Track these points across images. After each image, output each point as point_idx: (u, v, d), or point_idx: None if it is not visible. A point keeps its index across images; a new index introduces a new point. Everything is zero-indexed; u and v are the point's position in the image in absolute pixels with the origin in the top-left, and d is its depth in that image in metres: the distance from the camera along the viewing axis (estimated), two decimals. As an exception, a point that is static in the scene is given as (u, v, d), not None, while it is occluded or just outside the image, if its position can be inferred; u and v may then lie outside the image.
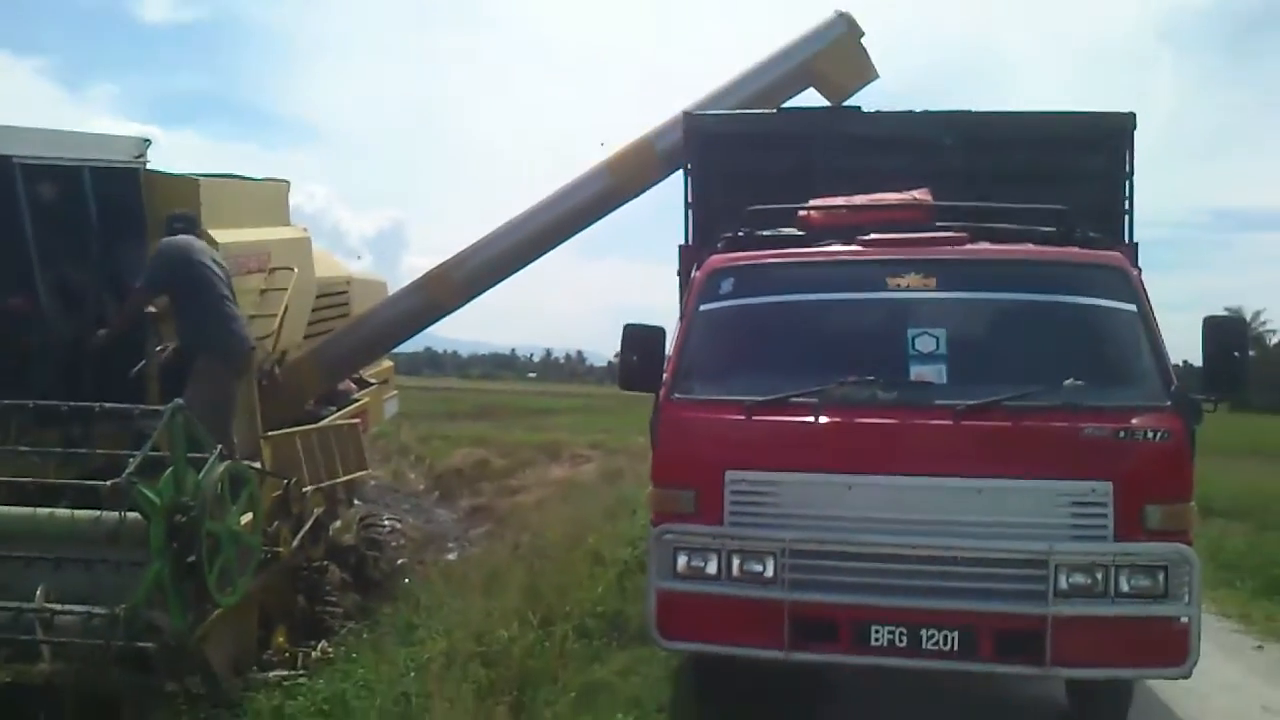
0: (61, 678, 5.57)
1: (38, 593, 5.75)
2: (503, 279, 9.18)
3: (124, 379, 7.14)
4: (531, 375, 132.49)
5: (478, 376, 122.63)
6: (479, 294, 9.20)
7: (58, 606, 5.71)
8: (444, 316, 9.34)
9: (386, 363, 12.13)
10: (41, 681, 5.57)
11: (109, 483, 5.49)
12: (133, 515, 5.61)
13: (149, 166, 7.69)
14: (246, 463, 6.79)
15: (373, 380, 11.36)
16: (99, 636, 5.56)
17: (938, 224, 6.07)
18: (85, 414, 6.41)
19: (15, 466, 6.25)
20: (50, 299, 7.12)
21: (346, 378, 10.23)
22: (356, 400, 10.57)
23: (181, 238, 7.19)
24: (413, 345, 11.34)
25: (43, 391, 6.58)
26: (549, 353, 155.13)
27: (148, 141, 7.72)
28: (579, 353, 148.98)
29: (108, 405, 6.28)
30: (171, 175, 7.84)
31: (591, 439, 27.38)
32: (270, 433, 8.15)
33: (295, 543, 7.90)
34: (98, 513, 5.75)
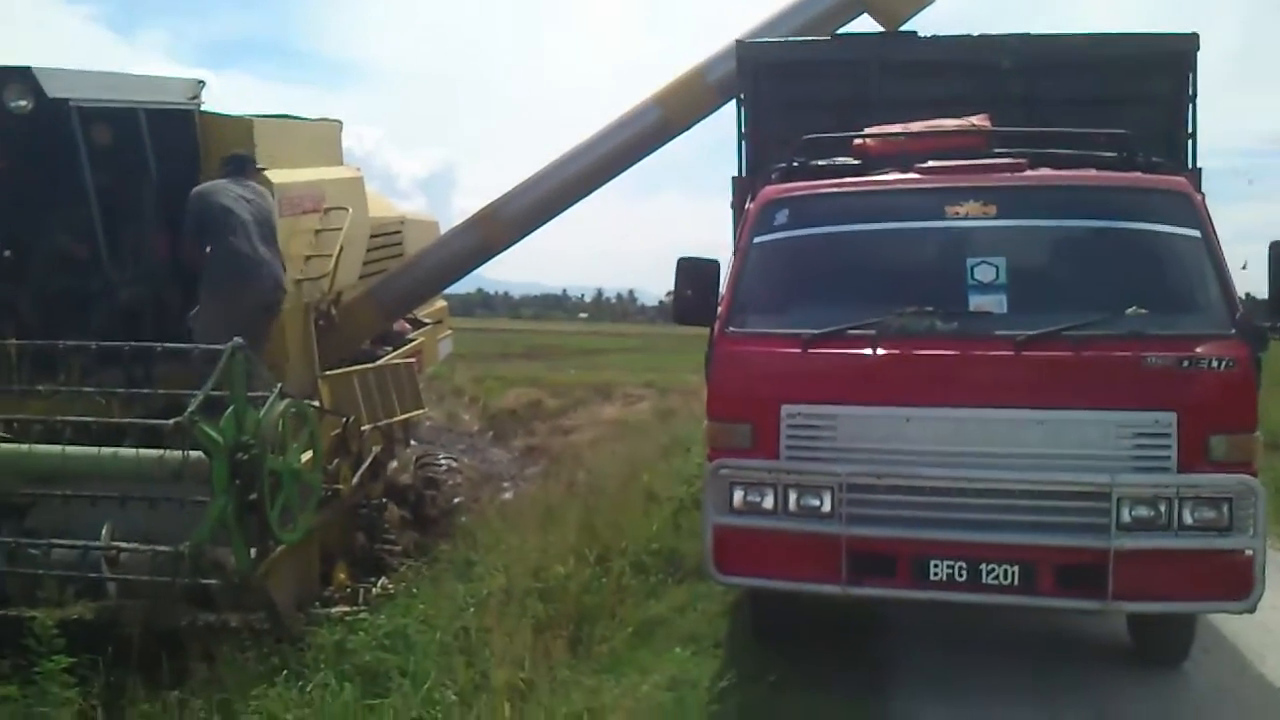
0: (128, 614, 5.70)
1: (104, 531, 5.87)
2: (553, 217, 9.15)
3: (181, 321, 7.21)
4: (583, 315, 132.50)
5: (529, 317, 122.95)
6: (529, 232, 9.18)
7: (124, 544, 5.83)
8: (495, 255, 9.34)
9: (440, 303, 12.17)
10: (108, 618, 5.70)
11: (172, 421, 5.54)
12: (195, 453, 5.67)
13: (203, 108, 7.71)
14: (305, 401, 6.85)
15: (427, 320, 11.42)
16: (164, 573, 5.67)
17: (996, 150, 5.96)
18: (146, 355, 6.49)
19: (80, 407, 6.35)
20: (108, 242, 7.16)
21: (401, 317, 10.29)
22: (412, 340, 10.64)
23: (208, 183, 7.21)
24: (464, 286, 11.38)
25: (104, 333, 6.65)
26: (600, 292, 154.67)
27: (202, 83, 7.73)
28: (630, 292, 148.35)
29: (168, 345, 6.33)
30: (225, 116, 7.85)
31: (644, 378, 27.38)
32: (327, 372, 8.23)
33: (354, 480, 8.00)
34: (161, 452, 5.82)
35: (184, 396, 5.82)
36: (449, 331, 12.86)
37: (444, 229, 11.10)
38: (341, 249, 8.23)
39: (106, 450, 6.02)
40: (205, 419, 5.63)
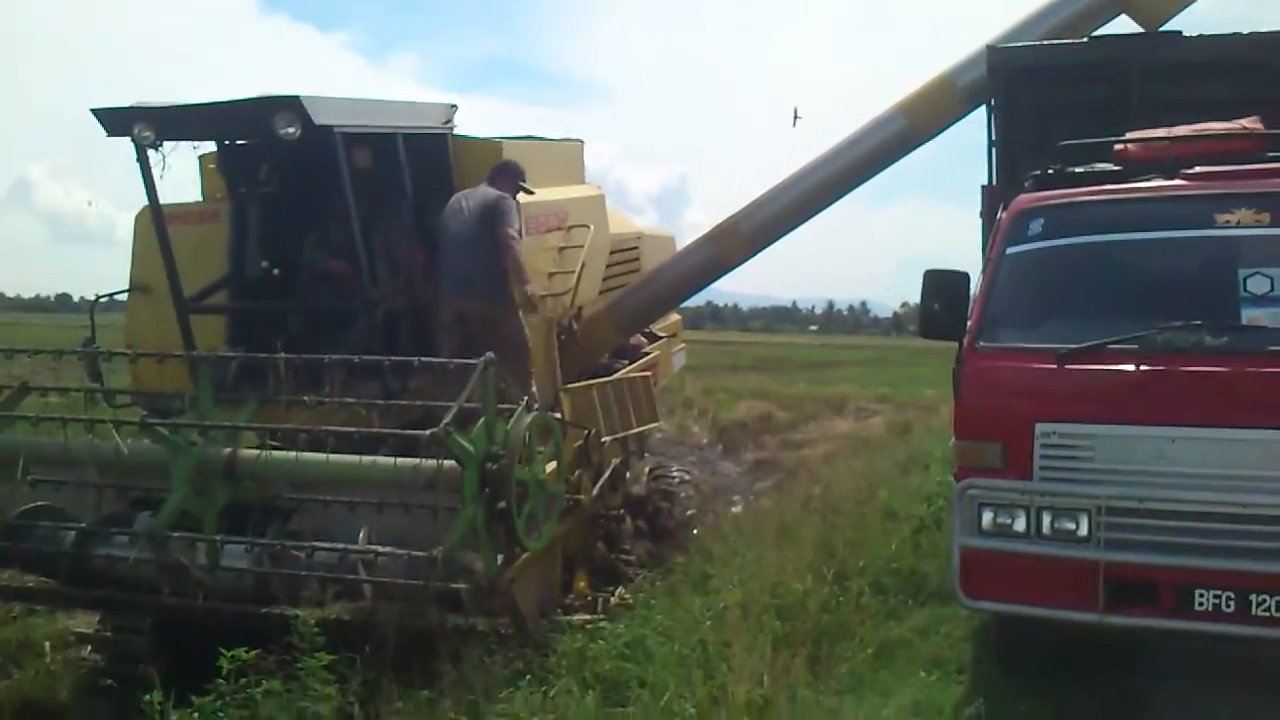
0: (383, 615, 5.89)
1: (361, 535, 6.12)
2: (790, 230, 9.11)
3: (430, 336, 7.54)
4: (813, 328, 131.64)
5: (759, 329, 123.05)
6: (766, 246, 9.17)
7: (380, 548, 6.07)
8: (731, 270, 9.38)
9: (674, 316, 12.31)
10: (365, 618, 5.91)
11: (428, 432, 5.77)
12: (449, 463, 5.88)
13: (455, 131, 8.06)
14: (549, 414, 7.03)
15: (662, 334, 11.56)
16: (417, 577, 5.87)
17: (1270, 155, 5.56)
18: (404, 368, 6.78)
19: (341, 417, 6.70)
20: (370, 263, 7.51)
21: (639, 332, 10.46)
22: (647, 354, 10.79)
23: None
24: (694, 300, 11.42)
25: (364, 347, 6.98)
26: (831, 304, 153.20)
27: (454, 107, 8.09)
28: (863, 303, 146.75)
29: (424, 360, 6.60)
30: (476, 139, 8.18)
31: (877, 392, 26.89)
32: (569, 385, 8.43)
33: (595, 491, 8.16)
34: (417, 461, 6.04)
35: (439, 408, 6.06)
36: (682, 345, 12.99)
37: (678, 243, 11.23)
38: (583, 265, 8.43)
39: (366, 458, 6.29)
40: (459, 430, 5.85)
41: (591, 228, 8.74)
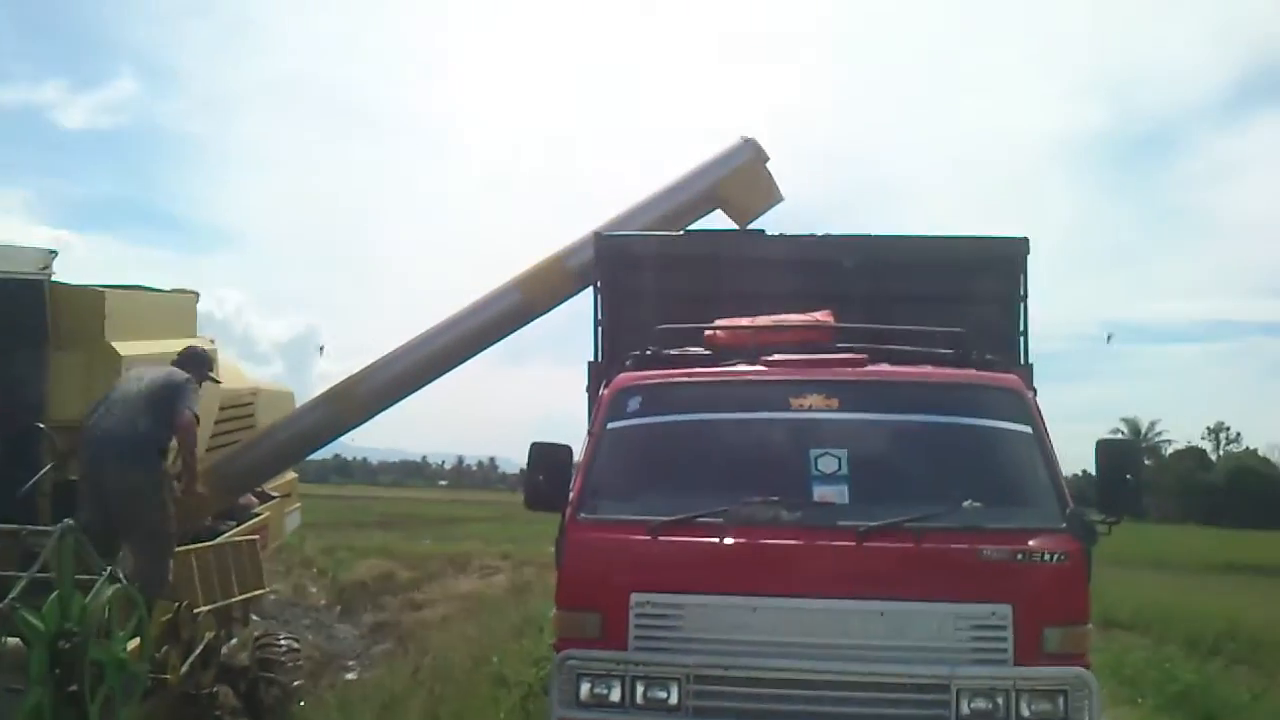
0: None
1: None
2: (409, 394, 9.12)
3: (12, 496, 6.88)
4: (442, 483, 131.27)
5: (388, 484, 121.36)
6: (384, 409, 9.11)
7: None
8: (348, 431, 9.23)
9: (290, 475, 11.85)
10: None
11: (-11, 607, 5.23)
12: (14, 640, 5.34)
13: (54, 278, 7.56)
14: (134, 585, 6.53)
15: (275, 494, 11.07)
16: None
17: (839, 345, 6.19)
18: None
19: None
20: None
21: (248, 492, 9.97)
22: (257, 515, 10.28)
23: None
24: (321, 452, 11.02)
25: None
26: (461, 459, 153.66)
27: (53, 253, 7.64)
28: (491, 459, 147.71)
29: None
30: (76, 287, 7.71)
31: (501, 549, 27.02)
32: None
33: (184, 669, 7.58)
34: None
35: (9, 578, 5.51)
36: (298, 504, 12.47)
37: (302, 396, 10.92)
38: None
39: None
40: (28, 603, 5.31)
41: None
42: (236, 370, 10.87)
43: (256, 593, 9.67)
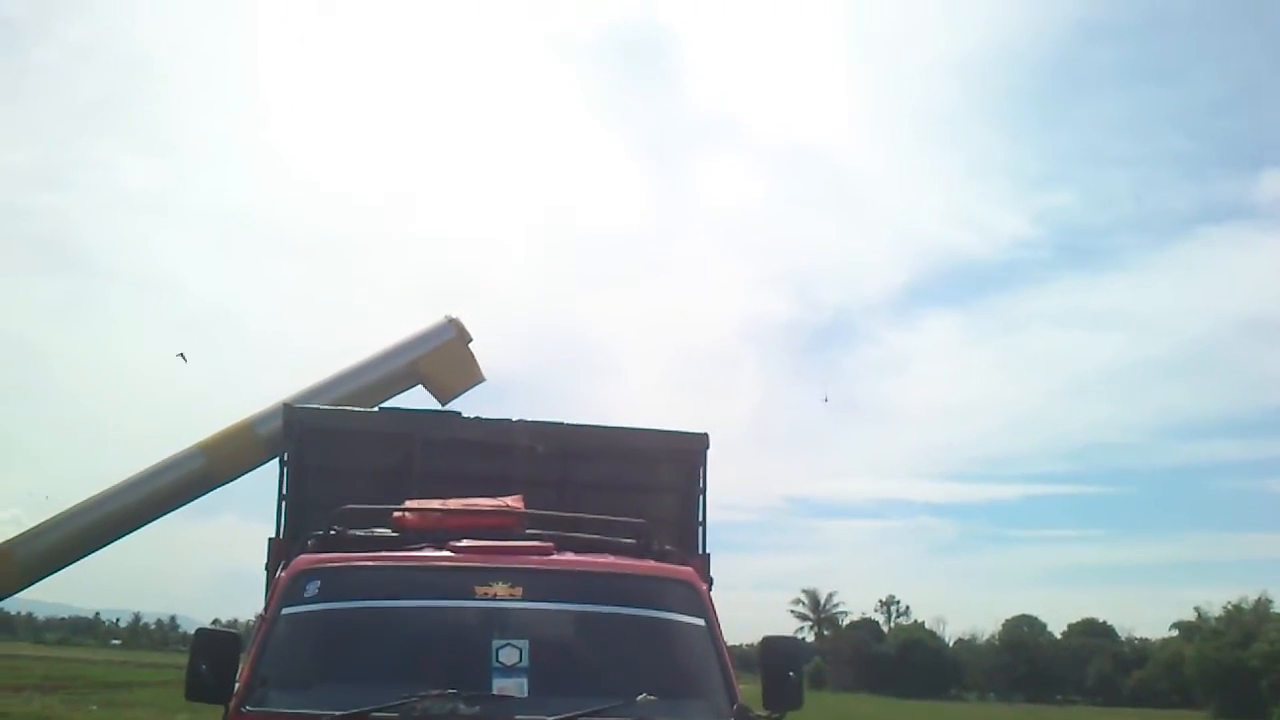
0: None
1: None
2: (76, 561, 8.45)
3: None
4: (116, 642, 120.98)
5: (54, 642, 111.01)
6: (46, 577, 8.44)
7: None
8: (4, 599, 8.44)
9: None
10: None
11: None
12: None
13: None
14: None
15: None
16: None
17: (529, 531, 6.22)
18: None
19: None
20: None
21: None
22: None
23: None
24: (-24, 609, 9.96)
25: None
26: (138, 617, 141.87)
27: None
28: (172, 618, 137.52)
29: None
30: None
31: (176, 718, 24.93)
32: None
33: None
34: None
35: None
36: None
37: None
38: None
39: None
40: None
41: None
42: None
43: None
